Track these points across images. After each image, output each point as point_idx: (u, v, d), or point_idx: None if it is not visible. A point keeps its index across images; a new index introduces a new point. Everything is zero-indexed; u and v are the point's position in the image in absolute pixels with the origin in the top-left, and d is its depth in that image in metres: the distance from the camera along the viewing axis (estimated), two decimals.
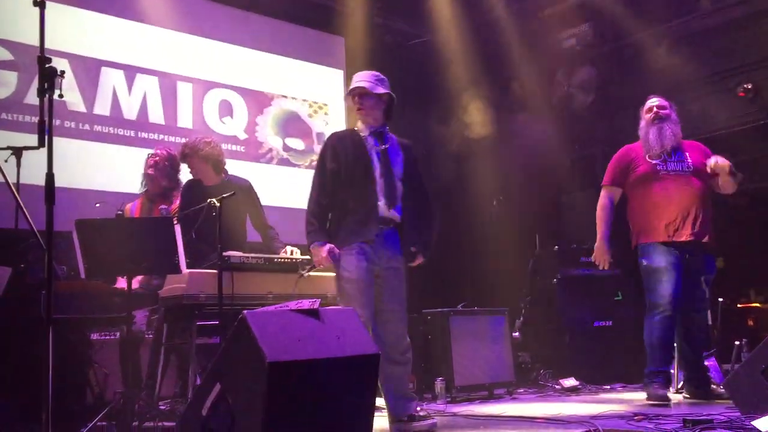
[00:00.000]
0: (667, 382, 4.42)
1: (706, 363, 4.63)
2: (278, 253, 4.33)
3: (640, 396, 4.58)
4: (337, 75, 7.50)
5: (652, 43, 6.93)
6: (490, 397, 5.20)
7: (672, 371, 4.62)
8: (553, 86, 7.57)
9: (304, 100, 7.20)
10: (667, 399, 4.30)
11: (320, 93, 7.34)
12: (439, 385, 5.03)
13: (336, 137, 3.85)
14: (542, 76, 7.47)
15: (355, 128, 3.86)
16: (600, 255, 4.66)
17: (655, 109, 4.68)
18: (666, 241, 4.45)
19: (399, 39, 8.02)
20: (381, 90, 3.76)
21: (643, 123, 4.73)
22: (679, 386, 4.71)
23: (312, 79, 7.32)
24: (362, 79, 3.79)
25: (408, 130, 7.38)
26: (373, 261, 3.62)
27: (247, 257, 4.07)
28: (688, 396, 4.54)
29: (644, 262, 4.55)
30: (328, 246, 3.60)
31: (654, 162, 4.59)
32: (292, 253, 4.22)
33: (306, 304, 2.55)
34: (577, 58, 7.45)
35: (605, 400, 4.79)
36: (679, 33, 6.85)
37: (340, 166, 3.69)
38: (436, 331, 5.36)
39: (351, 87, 3.79)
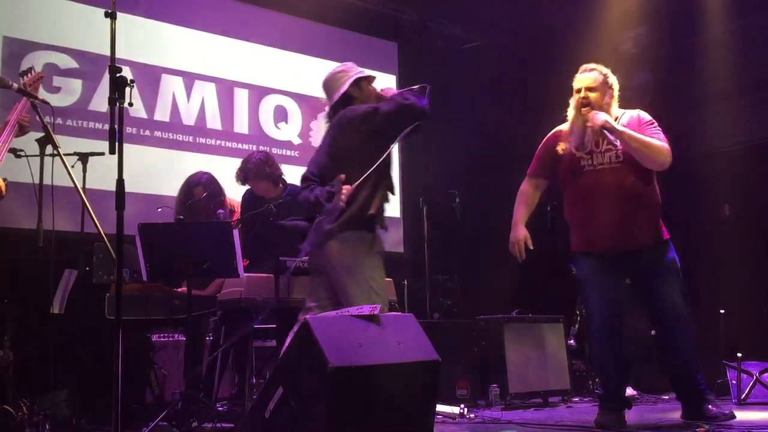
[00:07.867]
0: (614, 405, 3.72)
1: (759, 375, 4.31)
2: None
3: None
4: (390, 80, 7.52)
5: (712, 45, 6.76)
6: (545, 405, 5.13)
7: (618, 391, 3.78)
8: None
9: None
10: (606, 426, 3.63)
11: None
12: (493, 391, 5.00)
13: None
14: None
15: None
16: (513, 243, 3.90)
17: (583, 92, 3.76)
18: (588, 250, 3.81)
19: (451, 44, 8.01)
20: None
21: (570, 105, 3.83)
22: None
23: None
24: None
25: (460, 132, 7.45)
26: None
27: (303, 261, 4.10)
28: (688, 419, 3.75)
29: (573, 270, 4.06)
30: None
31: (579, 155, 3.76)
32: None
33: (366, 309, 2.56)
34: (634, 62, 7.33)
35: (664, 410, 4.69)
36: (740, 34, 6.67)
37: None
38: (490, 338, 5.32)
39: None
